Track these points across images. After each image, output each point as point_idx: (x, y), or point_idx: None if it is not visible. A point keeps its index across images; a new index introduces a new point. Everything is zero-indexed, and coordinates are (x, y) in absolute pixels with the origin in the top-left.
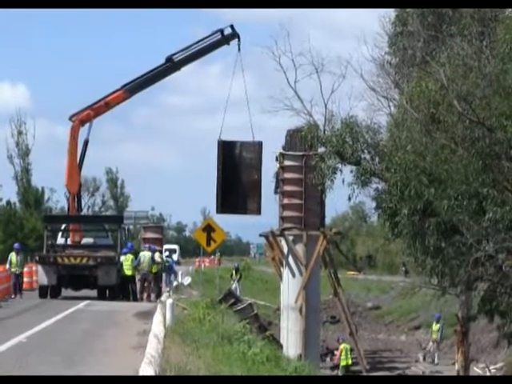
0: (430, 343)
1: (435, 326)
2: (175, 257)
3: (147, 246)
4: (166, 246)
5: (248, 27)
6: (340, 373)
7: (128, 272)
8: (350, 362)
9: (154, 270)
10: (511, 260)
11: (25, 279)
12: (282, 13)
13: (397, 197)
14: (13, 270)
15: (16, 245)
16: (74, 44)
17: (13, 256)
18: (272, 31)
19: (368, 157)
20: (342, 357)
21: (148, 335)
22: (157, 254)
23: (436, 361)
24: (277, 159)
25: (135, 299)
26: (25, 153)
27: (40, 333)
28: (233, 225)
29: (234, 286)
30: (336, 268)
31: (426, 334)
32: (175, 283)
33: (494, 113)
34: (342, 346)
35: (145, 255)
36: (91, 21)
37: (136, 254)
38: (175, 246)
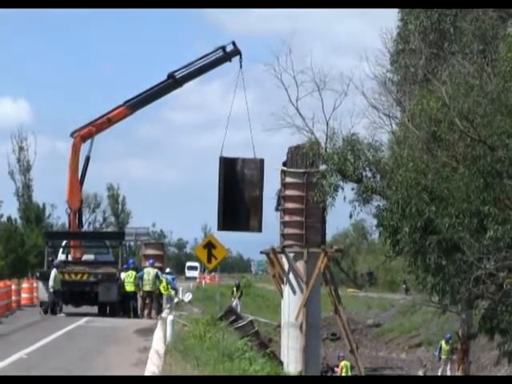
0: (442, 363)
1: (445, 346)
2: (196, 273)
3: (152, 261)
4: (188, 263)
5: (250, 42)
6: None
7: (130, 288)
8: None
9: (163, 289)
10: None
11: (25, 295)
12: (284, 28)
13: (398, 214)
14: (56, 287)
15: (55, 262)
16: (76, 59)
17: (56, 273)
18: (273, 46)
19: (369, 174)
20: (343, 374)
21: (149, 352)
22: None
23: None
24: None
25: (136, 316)
26: (26, 169)
27: (41, 349)
28: (234, 241)
29: (234, 303)
30: (336, 285)
31: (427, 351)
32: (176, 300)
33: (496, 131)
34: (342, 363)
35: (149, 272)
36: (92, 36)
37: (137, 270)
38: (197, 264)
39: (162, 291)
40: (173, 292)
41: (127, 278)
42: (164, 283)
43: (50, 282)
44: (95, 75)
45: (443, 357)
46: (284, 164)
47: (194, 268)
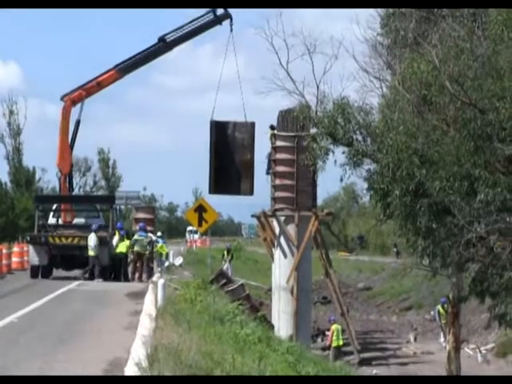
0: (442, 326)
1: (442, 310)
2: (196, 236)
3: (142, 225)
4: (189, 228)
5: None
6: (331, 353)
7: (122, 249)
8: (341, 342)
9: (161, 249)
10: (502, 241)
11: (16, 259)
12: None
13: (389, 178)
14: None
15: (94, 226)
16: (66, 23)
17: (95, 237)
18: (264, 10)
19: (360, 138)
20: (334, 337)
21: (140, 315)
22: (149, 235)
23: (444, 343)
24: (271, 138)
25: (127, 279)
26: (16, 132)
27: (32, 313)
28: (225, 205)
29: (225, 267)
30: (327, 249)
31: (417, 315)
32: (167, 263)
33: (486, 94)
34: (333, 327)
35: (140, 235)
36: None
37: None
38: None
39: (161, 252)
40: (165, 253)
41: (120, 241)
42: (161, 245)
43: (94, 246)
44: (86, 38)
45: (443, 321)
46: (271, 127)
47: (194, 232)
